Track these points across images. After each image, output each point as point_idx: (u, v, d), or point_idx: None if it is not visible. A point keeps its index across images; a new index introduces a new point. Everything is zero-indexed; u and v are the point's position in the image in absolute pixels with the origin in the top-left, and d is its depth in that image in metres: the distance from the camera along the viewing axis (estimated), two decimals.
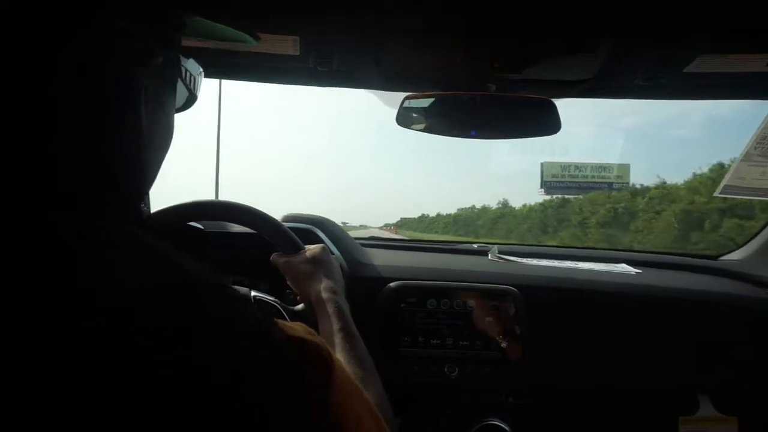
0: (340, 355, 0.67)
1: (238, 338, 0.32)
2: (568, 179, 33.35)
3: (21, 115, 0.33)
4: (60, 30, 0.34)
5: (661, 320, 1.10)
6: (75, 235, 0.31)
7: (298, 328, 0.39)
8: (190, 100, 0.57)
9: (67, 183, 0.36)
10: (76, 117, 0.35)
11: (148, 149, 0.42)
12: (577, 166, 33.98)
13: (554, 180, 33.27)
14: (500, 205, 52.13)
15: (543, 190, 33.58)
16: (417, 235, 42.25)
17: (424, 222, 78.26)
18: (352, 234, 1.35)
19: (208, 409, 0.29)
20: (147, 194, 0.46)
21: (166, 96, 0.47)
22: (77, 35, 0.34)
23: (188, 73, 0.51)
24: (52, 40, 0.34)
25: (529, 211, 38.87)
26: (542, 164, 33.82)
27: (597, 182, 32.66)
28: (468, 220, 55.67)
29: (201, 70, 0.57)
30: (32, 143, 0.34)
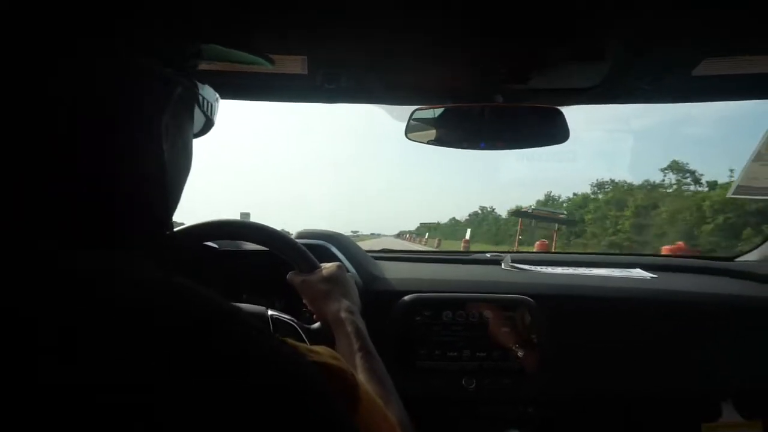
0: (361, 375, 0.67)
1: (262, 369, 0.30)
2: None
3: (41, 141, 0.32)
4: (79, 57, 0.33)
5: (679, 325, 1.09)
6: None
7: (322, 352, 0.39)
8: (208, 125, 0.58)
9: (90, 210, 0.35)
10: (96, 143, 0.35)
11: (169, 176, 0.42)
12: None
13: None
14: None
15: None
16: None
17: (464, 227, 54.67)
18: (364, 244, 1.35)
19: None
20: (172, 219, 0.47)
21: (184, 124, 0.47)
22: (96, 63, 0.34)
23: (205, 101, 0.52)
24: (70, 66, 0.33)
25: None
26: None
27: None
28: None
29: (217, 96, 0.58)
30: (55, 170, 0.33)
